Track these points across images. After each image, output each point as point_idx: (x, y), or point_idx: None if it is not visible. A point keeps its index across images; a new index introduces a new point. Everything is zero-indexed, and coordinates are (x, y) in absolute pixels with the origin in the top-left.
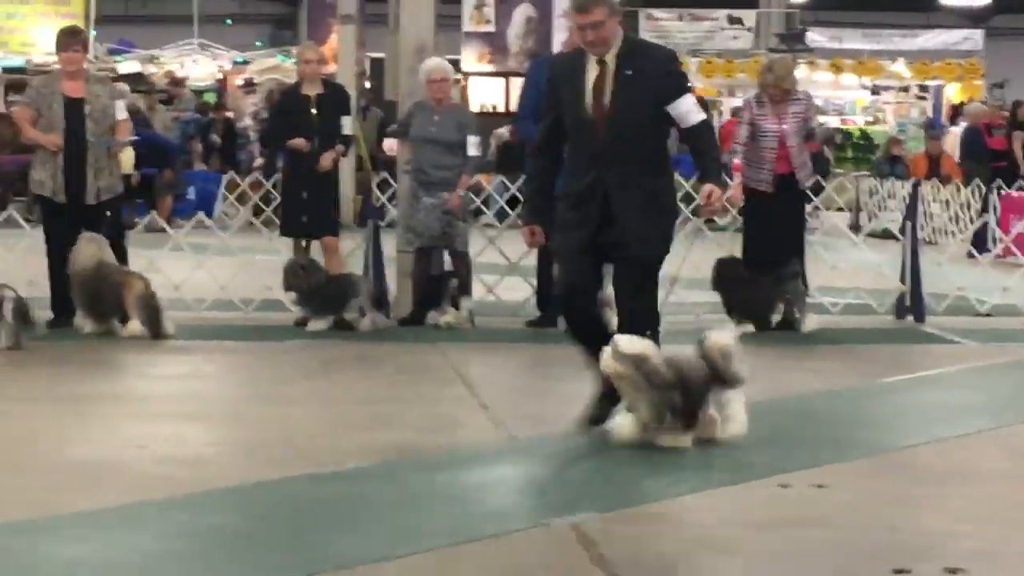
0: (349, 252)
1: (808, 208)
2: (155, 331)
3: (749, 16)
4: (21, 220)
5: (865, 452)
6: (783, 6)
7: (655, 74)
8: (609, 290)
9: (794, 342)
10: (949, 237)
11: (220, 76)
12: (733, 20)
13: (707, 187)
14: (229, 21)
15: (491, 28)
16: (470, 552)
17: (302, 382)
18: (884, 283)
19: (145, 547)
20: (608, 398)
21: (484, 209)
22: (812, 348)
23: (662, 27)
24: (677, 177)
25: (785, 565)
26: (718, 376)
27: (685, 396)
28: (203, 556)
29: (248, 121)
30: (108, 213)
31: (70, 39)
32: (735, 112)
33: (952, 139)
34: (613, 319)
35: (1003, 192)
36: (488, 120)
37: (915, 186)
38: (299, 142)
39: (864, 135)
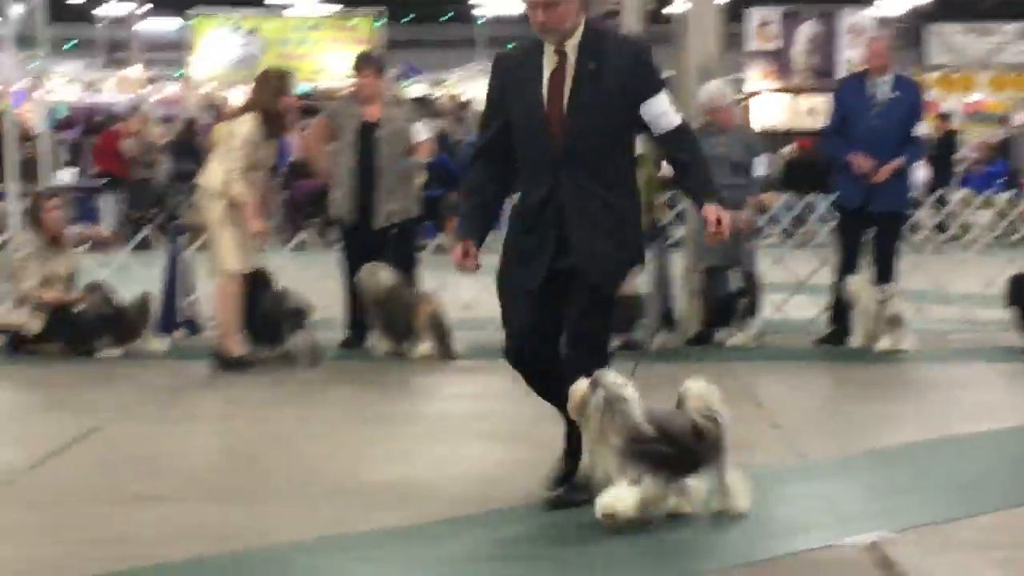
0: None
1: None
2: (444, 352)
3: None
4: (313, 242)
5: None
6: None
7: (623, 68)
8: None
9: None
10: None
11: None
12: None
13: (710, 209)
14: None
15: (776, 46)
16: (762, 572)
17: None
18: None
19: (443, 564)
20: (574, 454)
21: (770, 228)
22: None
23: (950, 41)
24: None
25: None
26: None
27: (675, 452)
28: (493, 573)
29: None
30: (396, 231)
31: (363, 64)
32: None
33: None
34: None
35: None
36: (772, 138)
37: None
38: None
39: None
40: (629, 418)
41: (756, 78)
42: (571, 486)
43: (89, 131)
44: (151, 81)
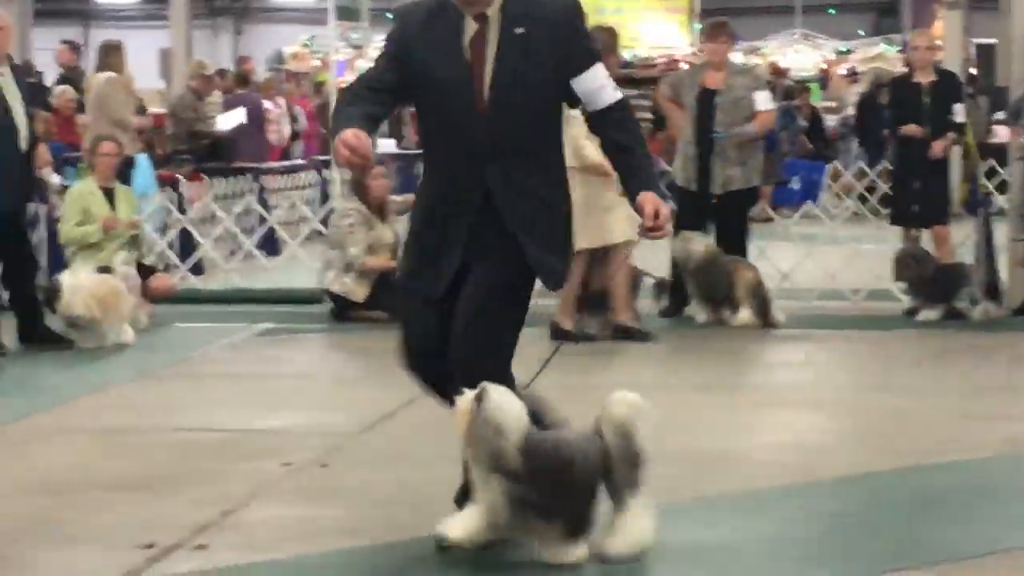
0: (959, 241)
1: None
2: (764, 320)
3: None
4: None
5: None
6: None
7: (554, 33)
8: None
9: None
10: None
11: (823, 66)
12: None
13: (648, 198)
14: (833, 11)
15: None
16: None
17: (912, 371)
18: None
19: (763, 532)
20: None
21: None
22: None
23: None
24: None
25: None
26: (613, 463)
27: (550, 492)
28: (818, 542)
29: (851, 111)
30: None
31: (717, 31)
32: None
33: None
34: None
35: None
36: None
37: None
38: (913, 128)
39: None
40: (499, 448)
41: None
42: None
43: None
44: None
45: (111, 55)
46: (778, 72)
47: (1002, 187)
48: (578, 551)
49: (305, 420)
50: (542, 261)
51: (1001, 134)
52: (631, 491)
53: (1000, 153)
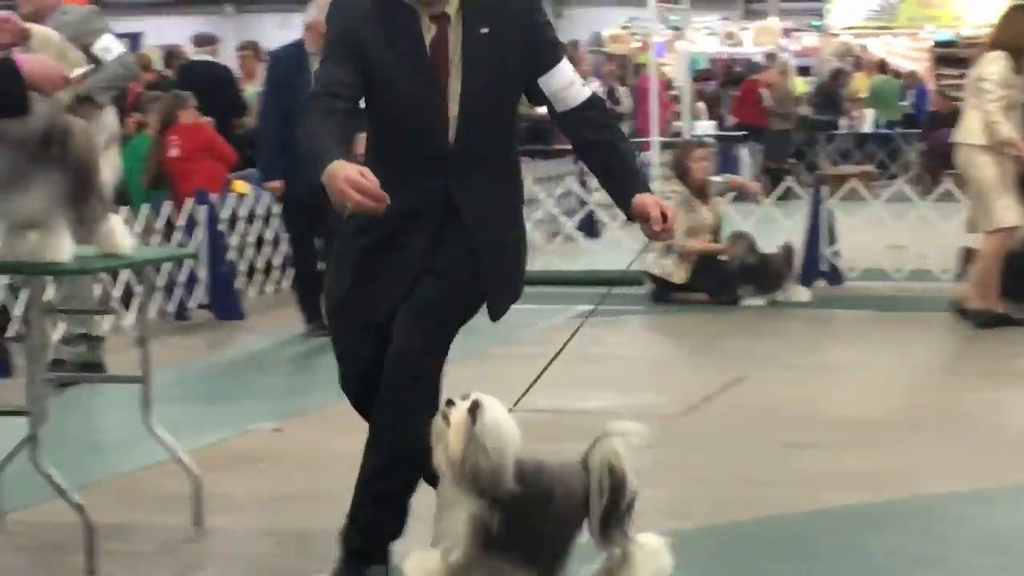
0: None
1: None
2: None
3: None
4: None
5: None
6: None
7: (519, 30)
8: None
9: None
10: None
11: None
12: None
13: (649, 201)
14: None
15: None
16: None
17: None
18: None
19: None
20: None
21: None
22: None
23: None
24: None
25: None
26: (615, 502)
27: (535, 526)
28: None
29: None
30: None
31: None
32: None
33: None
34: None
35: None
36: None
37: None
38: None
39: None
40: (494, 471)
41: None
42: None
43: (726, 83)
44: (788, 32)
45: None
46: None
47: None
48: None
49: (627, 401)
50: (496, 295)
51: None
52: (620, 531)
53: None
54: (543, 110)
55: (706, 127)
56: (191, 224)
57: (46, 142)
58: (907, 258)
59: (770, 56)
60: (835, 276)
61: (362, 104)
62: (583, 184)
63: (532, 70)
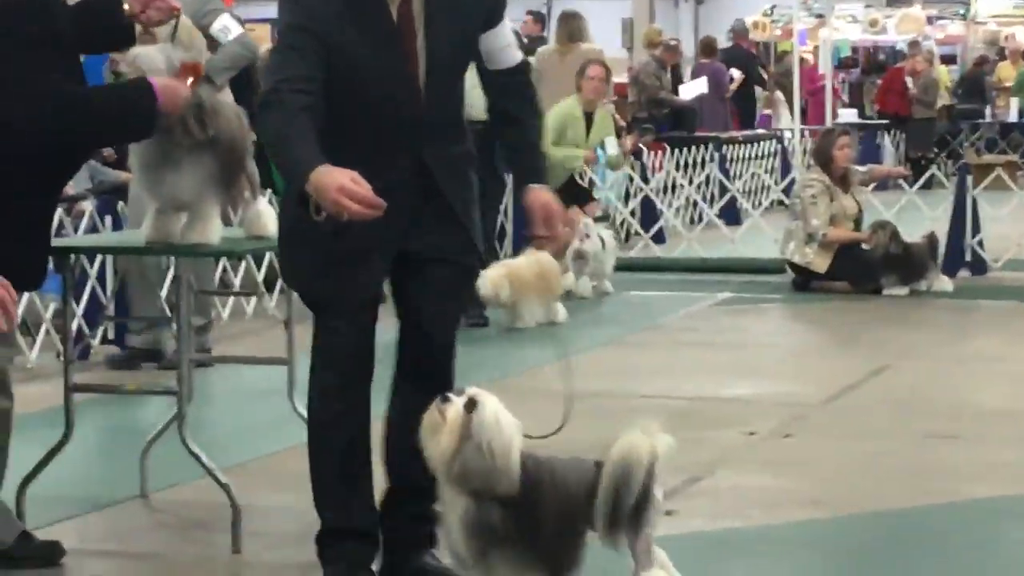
0: None
1: None
2: None
3: None
4: None
5: None
6: None
7: None
8: None
9: None
10: None
11: None
12: None
13: (538, 197)
14: None
15: None
16: None
17: None
18: None
19: None
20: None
21: None
22: None
23: None
24: None
25: None
26: (619, 501)
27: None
28: None
29: None
30: None
31: None
32: None
33: None
34: None
35: None
36: None
37: None
38: None
39: None
40: (496, 470)
41: None
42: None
43: (868, 70)
44: (932, 20)
45: (571, 24)
46: None
47: None
48: None
49: (768, 389)
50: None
51: None
52: (635, 540)
53: None
54: (686, 96)
55: (849, 115)
56: None
57: (198, 124)
58: None
59: (914, 44)
60: (979, 266)
61: None
62: (724, 171)
63: (480, 26)
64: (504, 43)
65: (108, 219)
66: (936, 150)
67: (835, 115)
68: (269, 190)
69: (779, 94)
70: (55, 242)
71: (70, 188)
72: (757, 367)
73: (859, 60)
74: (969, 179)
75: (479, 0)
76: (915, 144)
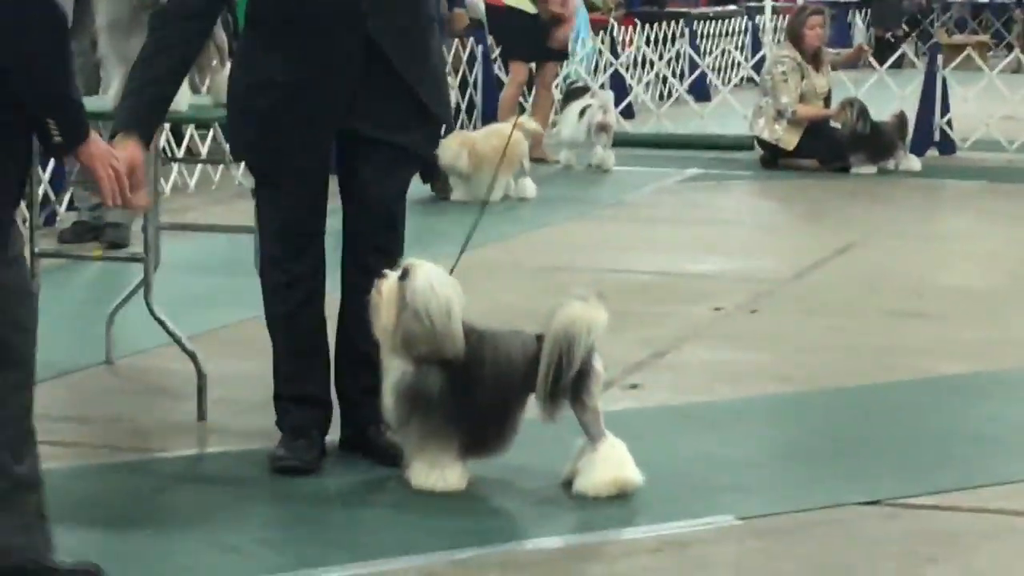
0: None
1: None
2: None
3: None
4: None
5: None
6: None
7: None
8: None
9: None
10: None
11: None
12: None
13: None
14: None
15: None
16: None
17: None
18: None
19: None
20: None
21: None
22: None
23: None
24: None
25: None
26: (560, 373)
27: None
28: None
29: None
30: None
31: None
32: None
33: None
34: None
35: None
36: None
37: None
38: None
39: None
40: (436, 332)
41: None
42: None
43: None
44: None
45: None
46: None
47: None
48: (453, 477)
49: (735, 266)
50: (438, 110)
51: None
52: (582, 413)
53: None
54: None
55: None
56: None
57: None
58: (1021, 129)
59: None
60: (947, 146)
61: None
62: (695, 47)
63: None
64: None
65: None
66: (906, 29)
67: None
68: None
69: None
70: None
71: None
72: (724, 243)
73: None
74: (939, 59)
75: None
76: (880, 21)
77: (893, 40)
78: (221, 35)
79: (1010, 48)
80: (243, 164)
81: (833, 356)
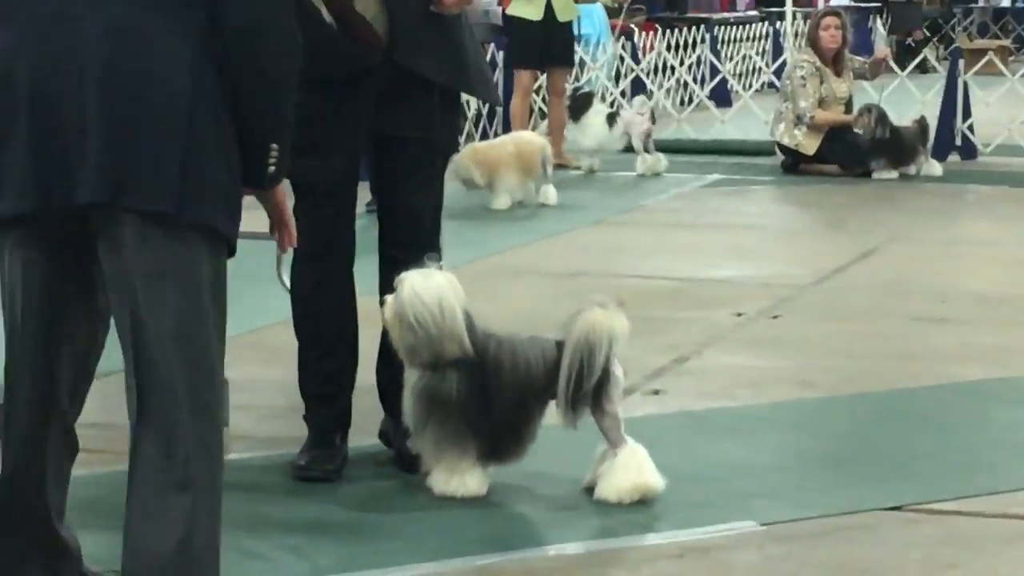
0: None
1: None
2: None
3: None
4: None
5: None
6: None
7: None
8: None
9: None
10: None
11: None
12: None
13: None
14: None
15: None
16: None
17: None
18: None
19: None
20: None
21: None
22: None
23: None
24: None
25: None
26: (581, 380)
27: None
28: None
29: None
30: None
31: None
32: None
33: None
34: None
35: None
36: None
37: None
38: None
39: None
40: (445, 335)
41: None
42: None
43: None
44: None
45: None
46: None
47: None
48: (473, 483)
49: (756, 271)
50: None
51: None
52: (602, 419)
53: None
54: None
55: None
56: None
57: None
58: None
59: None
60: (968, 150)
61: None
62: (716, 52)
63: None
64: None
65: None
66: (927, 33)
67: None
68: None
69: None
70: None
71: None
72: (745, 248)
73: None
74: (961, 63)
75: None
76: (901, 25)
77: (913, 45)
78: None
79: None
80: None
81: (855, 361)
